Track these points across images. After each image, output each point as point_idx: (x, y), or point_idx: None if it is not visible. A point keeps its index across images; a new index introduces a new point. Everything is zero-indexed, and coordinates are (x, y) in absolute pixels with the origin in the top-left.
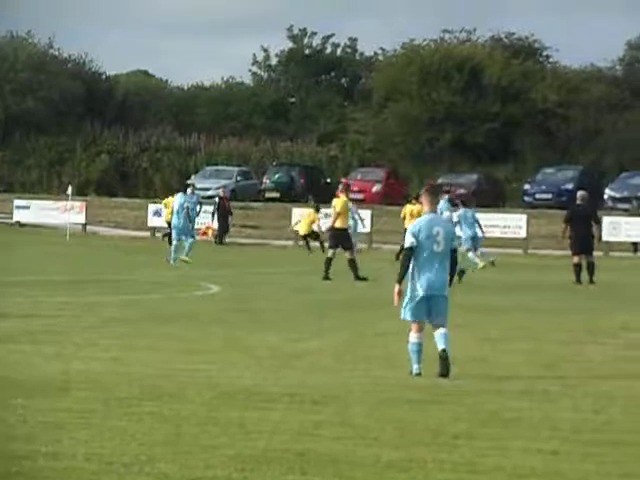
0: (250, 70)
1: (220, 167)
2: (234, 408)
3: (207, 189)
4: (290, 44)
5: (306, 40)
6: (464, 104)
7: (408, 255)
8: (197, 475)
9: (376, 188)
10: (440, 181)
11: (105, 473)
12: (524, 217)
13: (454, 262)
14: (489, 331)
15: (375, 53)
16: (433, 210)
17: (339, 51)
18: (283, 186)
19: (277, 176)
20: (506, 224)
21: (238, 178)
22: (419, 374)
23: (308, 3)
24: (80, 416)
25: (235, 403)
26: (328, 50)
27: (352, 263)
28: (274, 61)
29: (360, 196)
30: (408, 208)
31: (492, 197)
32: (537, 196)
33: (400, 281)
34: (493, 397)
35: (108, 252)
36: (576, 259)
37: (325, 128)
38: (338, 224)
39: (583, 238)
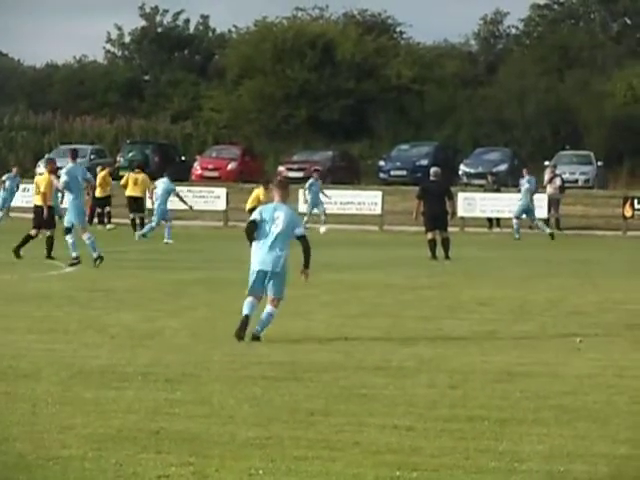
0: (104, 48)
1: (73, 146)
2: (89, 387)
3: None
4: (142, 22)
5: (158, 18)
6: (318, 81)
7: (251, 227)
8: (53, 455)
9: (231, 166)
10: (295, 158)
11: None
12: (379, 194)
13: (306, 248)
14: (349, 308)
15: (228, 30)
16: (282, 202)
17: (192, 28)
18: (137, 164)
19: (131, 154)
20: (361, 201)
21: (92, 156)
22: (247, 316)
23: None
24: None
25: (90, 382)
26: (181, 28)
27: (49, 240)
28: (127, 39)
29: (215, 174)
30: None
31: (348, 174)
32: (392, 173)
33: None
34: (350, 373)
35: None
36: (430, 235)
37: (180, 106)
38: (40, 202)
39: (436, 214)
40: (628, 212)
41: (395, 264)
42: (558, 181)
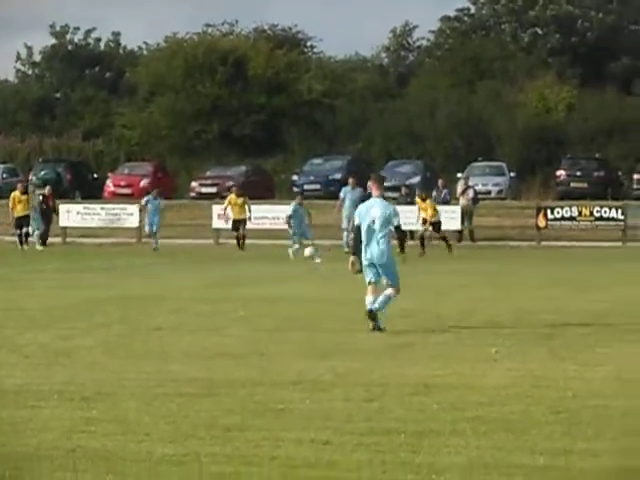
0: (15, 67)
1: None
2: (5, 407)
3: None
4: (53, 40)
5: (69, 36)
6: (230, 96)
7: (356, 232)
8: None
9: (144, 182)
10: (208, 174)
11: None
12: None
13: (400, 237)
14: (264, 323)
15: (139, 47)
16: (380, 195)
17: (102, 45)
18: (49, 182)
19: (43, 172)
20: (275, 215)
21: (4, 175)
22: (371, 310)
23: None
24: None
25: (6, 402)
26: (92, 45)
27: None
28: (38, 58)
29: (128, 191)
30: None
31: (261, 188)
32: (306, 187)
33: (354, 253)
34: (266, 388)
35: None
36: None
37: (91, 123)
38: None
39: None
40: (542, 222)
41: (310, 278)
42: (471, 193)
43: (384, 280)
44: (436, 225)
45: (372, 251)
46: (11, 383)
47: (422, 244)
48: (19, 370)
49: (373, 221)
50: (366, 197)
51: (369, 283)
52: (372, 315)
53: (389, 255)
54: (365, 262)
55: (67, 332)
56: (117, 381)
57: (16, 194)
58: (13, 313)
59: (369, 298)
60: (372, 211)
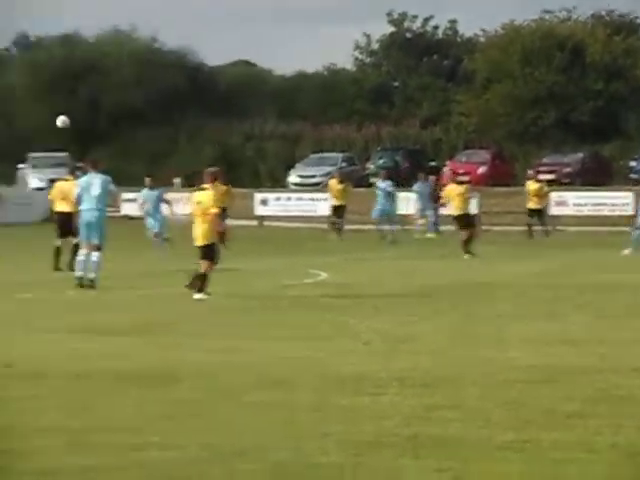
0: (353, 55)
1: (324, 154)
2: (344, 394)
3: (312, 176)
4: (391, 29)
5: (406, 24)
6: (567, 82)
7: None
8: (313, 461)
9: (482, 170)
10: (545, 160)
11: (217, 462)
12: (630, 195)
13: None
14: (605, 310)
15: (475, 34)
16: None
17: (440, 33)
18: (387, 170)
19: (381, 161)
20: (612, 202)
21: (342, 164)
22: None
23: None
24: (190, 406)
25: (345, 389)
26: (429, 33)
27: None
28: (375, 46)
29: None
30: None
31: (598, 175)
32: None
33: None
34: (606, 375)
35: None
36: None
37: (429, 111)
38: (60, 208)
39: None
40: None
41: None
42: None
43: None
44: None
45: None
46: (350, 370)
47: None
48: (358, 357)
49: None
50: None
51: None
52: None
53: None
54: None
55: (407, 319)
56: (457, 368)
57: (332, 182)
58: (352, 300)
59: None
60: None
